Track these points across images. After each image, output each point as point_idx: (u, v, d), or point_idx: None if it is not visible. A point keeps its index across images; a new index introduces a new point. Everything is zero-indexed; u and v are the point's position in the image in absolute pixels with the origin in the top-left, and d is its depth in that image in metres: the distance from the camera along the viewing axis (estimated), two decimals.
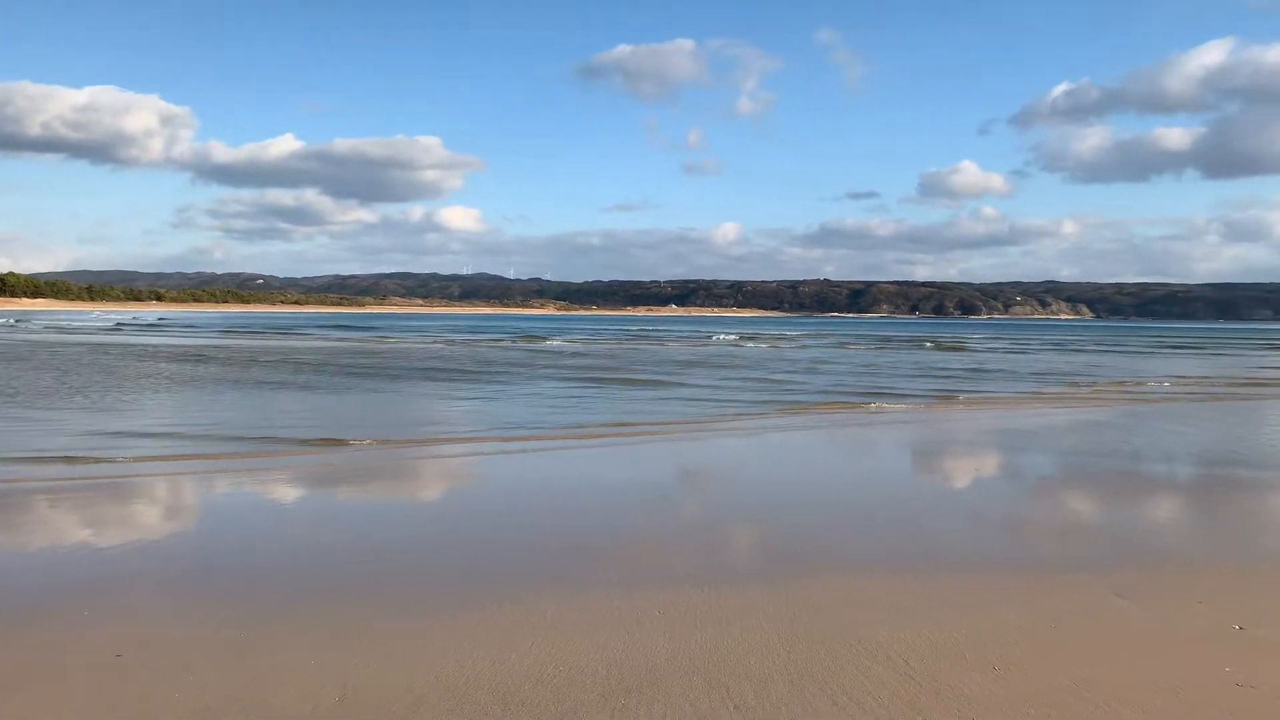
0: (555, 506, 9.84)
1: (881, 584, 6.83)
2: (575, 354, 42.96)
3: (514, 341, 58.99)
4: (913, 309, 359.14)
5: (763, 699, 4.80)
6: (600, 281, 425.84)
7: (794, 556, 7.73)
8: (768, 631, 5.78)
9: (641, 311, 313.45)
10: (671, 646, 5.52)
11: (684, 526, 9.02)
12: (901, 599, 6.48)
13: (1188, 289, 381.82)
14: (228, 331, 69.90)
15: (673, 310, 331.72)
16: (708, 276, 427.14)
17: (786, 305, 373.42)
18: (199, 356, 36.01)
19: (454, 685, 4.96)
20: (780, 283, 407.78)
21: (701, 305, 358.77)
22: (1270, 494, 11.27)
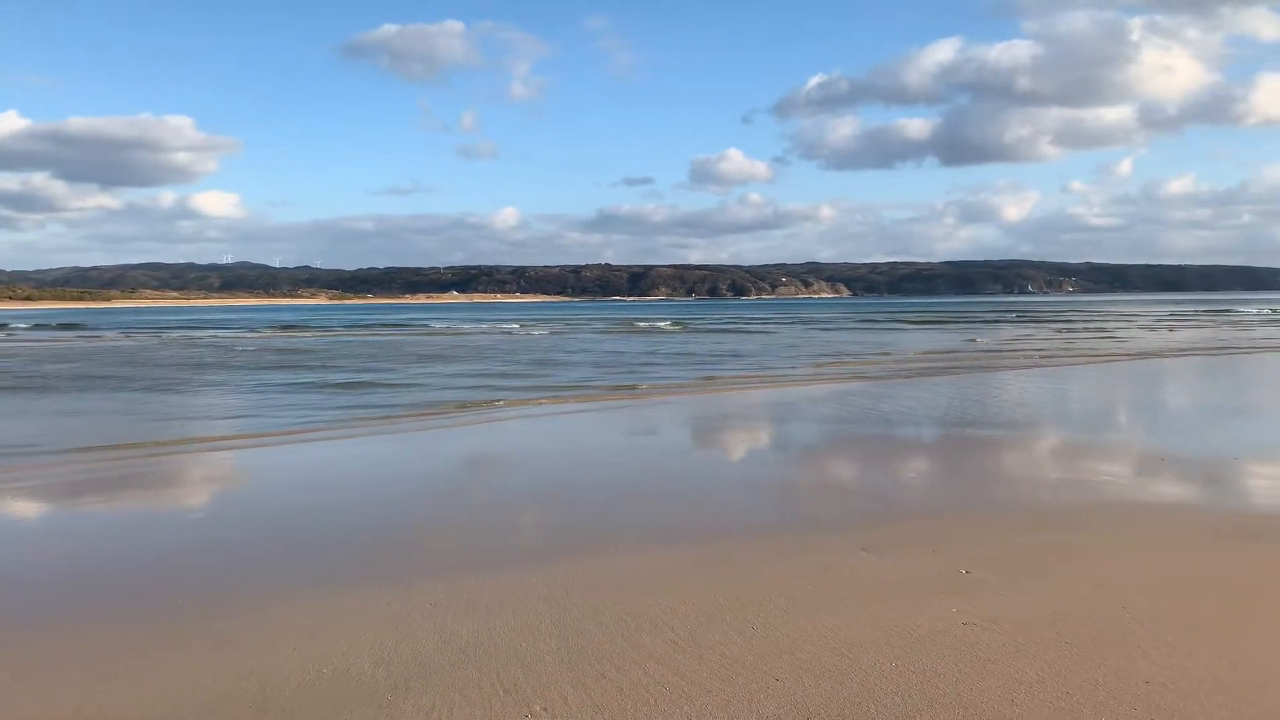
0: (310, 505, 9.44)
1: (652, 556, 7.04)
2: (282, 349, 39.35)
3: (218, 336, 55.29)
4: (689, 291, 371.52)
5: (532, 679, 4.82)
6: (375, 268, 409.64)
7: (568, 537, 7.82)
8: (540, 613, 5.82)
9: (421, 299, 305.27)
10: (442, 637, 5.44)
11: (458, 517, 8.90)
12: (670, 568, 6.71)
13: (931, 267, 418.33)
14: None
15: (454, 297, 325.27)
16: (489, 262, 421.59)
17: (570, 290, 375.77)
18: None
19: (206, 697, 4.65)
20: (563, 267, 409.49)
21: (484, 291, 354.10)
22: (992, 450, 12.56)
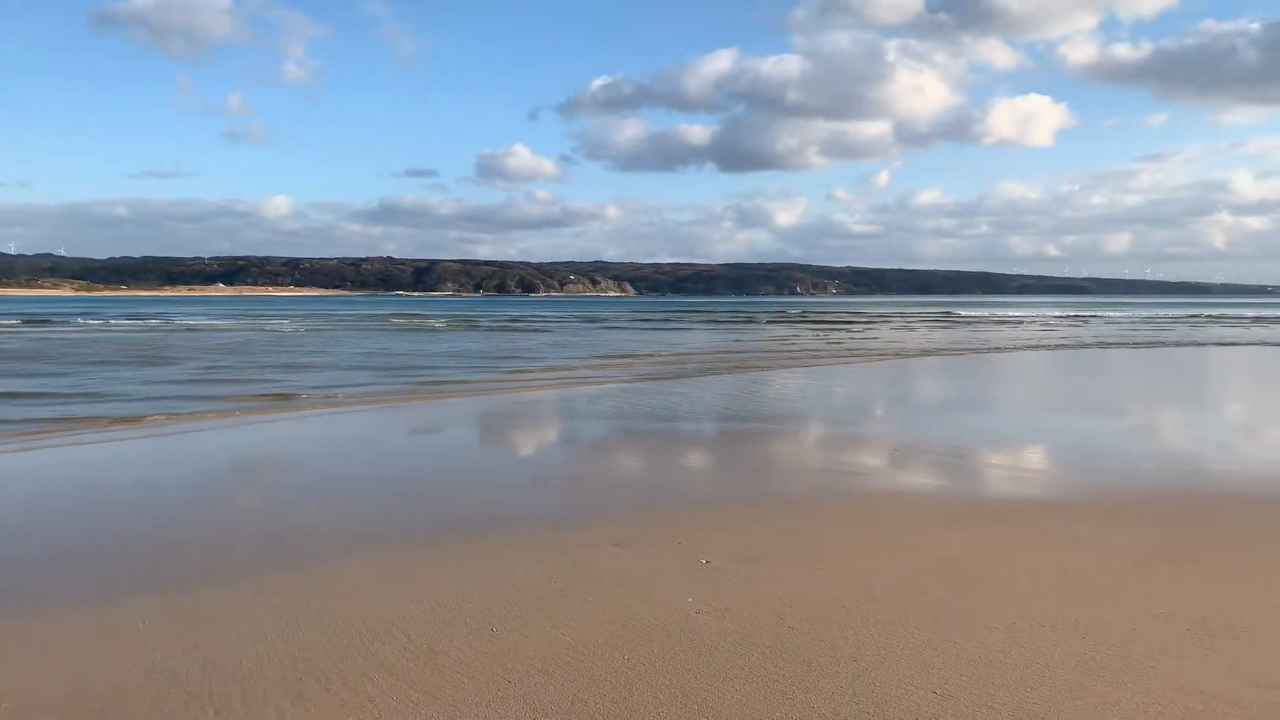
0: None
1: (394, 560, 6.81)
2: None
3: None
4: (477, 287, 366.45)
5: (248, 697, 4.53)
6: (130, 258, 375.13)
7: (303, 545, 7.43)
8: (266, 626, 5.48)
9: (183, 291, 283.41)
10: (151, 660, 5.01)
11: (177, 529, 8.26)
12: (413, 572, 6.52)
13: (711, 268, 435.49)
14: None
15: (220, 290, 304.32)
16: (260, 253, 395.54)
17: (349, 284, 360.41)
18: None
19: None
20: (341, 260, 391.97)
21: (254, 284, 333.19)
22: (747, 443, 13.16)
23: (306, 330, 51.76)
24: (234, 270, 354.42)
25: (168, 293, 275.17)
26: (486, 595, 6.04)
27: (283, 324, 60.45)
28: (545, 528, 7.93)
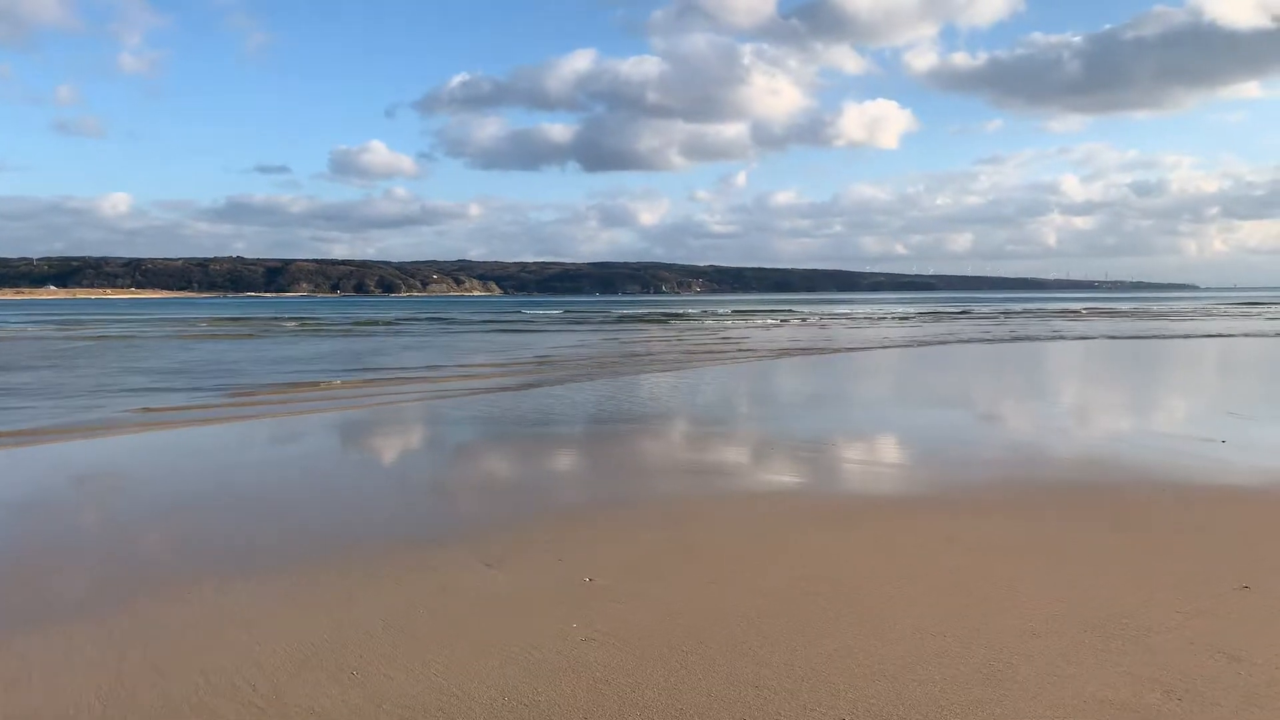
0: None
1: (235, 595, 6.05)
2: None
3: None
4: (334, 287, 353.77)
5: None
6: None
7: (132, 581, 6.53)
8: (83, 682, 4.68)
9: (9, 295, 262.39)
10: None
11: None
12: (258, 608, 5.79)
13: (578, 267, 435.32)
14: None
15: (51, 292, 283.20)
16: (96, 253, 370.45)
17: (196, 285, 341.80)
18: None
19: None
20: (187, 260, 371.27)
21: (90, 286, 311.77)
22: (616, 448, 12.75)
23: (120, 336, 46.27)
24: (67, 272, 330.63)
25: None
26: (343, 631, 5.38)
27: (120, 329, 56.26)
28: (408, 548, 7.27)
